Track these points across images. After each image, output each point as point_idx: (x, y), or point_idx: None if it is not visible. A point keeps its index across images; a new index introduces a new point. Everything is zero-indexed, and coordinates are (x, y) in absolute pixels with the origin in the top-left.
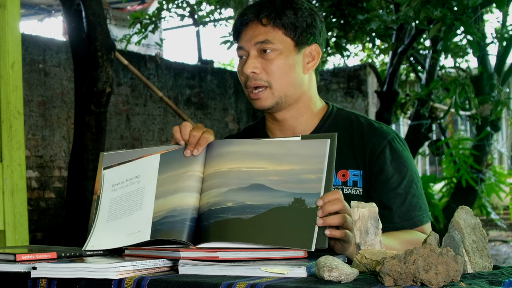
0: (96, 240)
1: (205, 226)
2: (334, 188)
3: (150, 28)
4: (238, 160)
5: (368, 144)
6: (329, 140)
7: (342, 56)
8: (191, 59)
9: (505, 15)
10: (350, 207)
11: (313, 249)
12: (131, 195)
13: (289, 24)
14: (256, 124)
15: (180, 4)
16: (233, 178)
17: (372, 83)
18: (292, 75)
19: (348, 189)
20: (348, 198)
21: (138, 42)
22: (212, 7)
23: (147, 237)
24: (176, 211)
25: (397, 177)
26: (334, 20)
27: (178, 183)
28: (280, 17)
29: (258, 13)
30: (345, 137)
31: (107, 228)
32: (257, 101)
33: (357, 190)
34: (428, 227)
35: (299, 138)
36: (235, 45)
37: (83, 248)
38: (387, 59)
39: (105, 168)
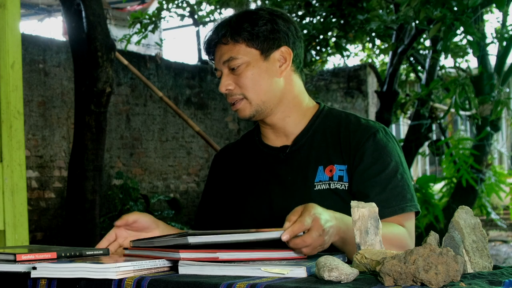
0: None
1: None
2: (322, 183)
3: (150, 28)
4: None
5: (353, 139)
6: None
7: (342, 56)
8: (191, 59)
9: (505, 15)
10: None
11: None
12: None
13: (248, 36)
14: (252, 131)
15: (180, 4)
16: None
17: (372, 83)
18: (264, 82)
19: (334, 184)
20: (336, 192)
21: (138, 42)
22: (212, 7)
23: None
24: None
25: (378, 167)
26: (334, 20)
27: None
28: (237, 32)
29: (217, 34)
30: (333, 134)
31: None
32: (238, 112)
33: (343, 185)
34: (412, 216)
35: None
36: None
37: None
38: (387, 59)
39: None
